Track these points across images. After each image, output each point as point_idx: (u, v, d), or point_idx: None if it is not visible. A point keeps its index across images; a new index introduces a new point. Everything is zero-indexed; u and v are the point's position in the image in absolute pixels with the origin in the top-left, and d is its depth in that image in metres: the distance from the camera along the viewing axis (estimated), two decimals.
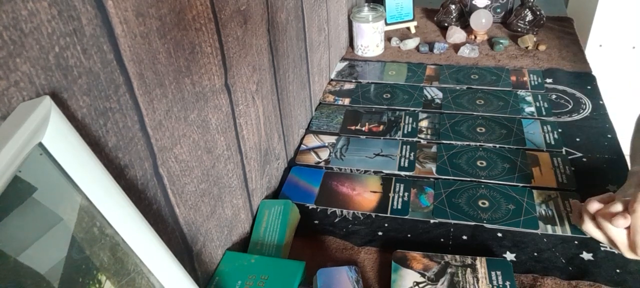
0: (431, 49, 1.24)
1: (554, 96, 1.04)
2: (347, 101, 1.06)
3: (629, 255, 0.58)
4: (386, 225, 0.76)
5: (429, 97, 1.06)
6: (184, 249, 0.57)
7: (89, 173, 0.36)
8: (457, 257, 0.67)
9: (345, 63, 1.22)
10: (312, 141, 0.95)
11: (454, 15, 1.33)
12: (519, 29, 1.28)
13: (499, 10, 1.33)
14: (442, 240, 0.73)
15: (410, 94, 1.07)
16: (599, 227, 0.60)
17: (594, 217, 0.60)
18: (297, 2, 0.85)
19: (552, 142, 0.90)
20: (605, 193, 0.62)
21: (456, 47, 1.25)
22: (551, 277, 0.66)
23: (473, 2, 1.33)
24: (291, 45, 0.85)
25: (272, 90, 0.78)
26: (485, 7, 1.32)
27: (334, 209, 0.79)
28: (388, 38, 1.31)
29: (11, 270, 0.31)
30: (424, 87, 1.09)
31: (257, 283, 0.62)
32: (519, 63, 1.16)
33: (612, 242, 0.59)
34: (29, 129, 0.31)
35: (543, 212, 0.75)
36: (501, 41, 1.23)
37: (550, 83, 1.08)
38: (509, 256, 0.69)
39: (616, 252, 0.60)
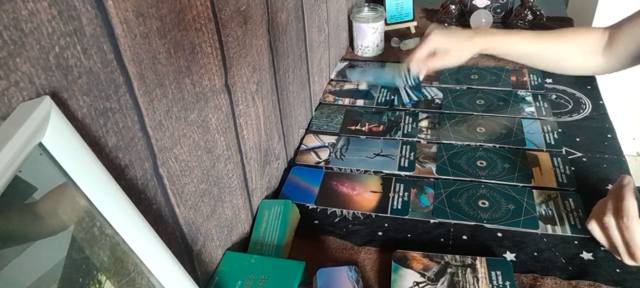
0: None
1: (554, 96, 1.04)
2: (347, 101, 1.06)
3: (628, 261, 0.61)
4: (386, 225, 0.76)
5: (429, 97, 1.06)
6: (184, 249, 0.57)
7: (89, 173, 0.36)
8: (457, 257, 0.67)
9: (345, 63, 1.22)
10: (312, 141, 0.95)
11: (454, 15, 1.33)
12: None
13: (499, 10, 1.33)
14: (442, 240, 0.73)
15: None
16: (603, 230, 0.62)
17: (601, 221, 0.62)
18: (297, 2, 0.85)
19: (552, 142, 0.90)
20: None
21: None
22: (551, 276, 0.66)
23: (473, 2, 1.33)
24: (291, 45, 0.85)
25: (272, 90, 0.78)
26: (485, 7, 1.32)
27: (334, 209, 0.79)
28: (388, 38, 1.31)
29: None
30: (423, 87, 1.09)
31: (257, 283, 0.62)
32: (519, 63, 1.16)
33: (613, 248, 0.61)
34: (29, 129, 0.31)
35: (543, 212, 0.75)
36: None
37: (550, 83, 1.08)
38: (509, 256, 0.69)
39: (618, 258, 0.62)
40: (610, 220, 0.60)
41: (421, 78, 0.90)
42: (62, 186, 0.35)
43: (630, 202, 0.58)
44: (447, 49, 0.85)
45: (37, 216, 0.33)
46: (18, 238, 0.32)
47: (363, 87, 1.07)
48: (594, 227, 0.63)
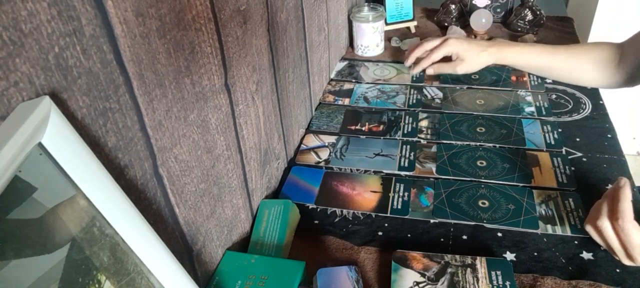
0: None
1: (554, 96, 1.04)
2: (347, 101, 1.06)
3: (626, 262, 0.61)
4: (386, 225, 0.76)
5: (429, 97, 1.06)
6: (184, 249, 0.57)
7: (89, 174, 0.36)
8: (457, 256, 0.67)
9: (345, 63, 1.22)
10: (312, 141, 0.95)
11: (454, 14, 1.33)
12: (519, 29, 1.28)
13: (499, 9, 1.33)
14: (442, 240, 0.73)
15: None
16: (599, 232, 0.62)
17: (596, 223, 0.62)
18: (297, 2, 0.85)
19: (552, 142, 0.90)
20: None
21: None
22: (551, 276, 0.66)
23: (473, 2, 1.33)
24: (291, 45, 0.85)
25: (272, 90, 0.78)
26: (485, 7, 1.32)
27: (334, 209, 0.79)
28: (388, 38, 1.31)
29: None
30: (424, 87, 1.09)
31: (257, 283, 0.62)
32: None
33: (611, 249, 0.62)
34: (29, 129, 0.31)
35: (543, 212, 0.75)
36: None
37: (550, 83, 1.08)
38: (509, 256, 0.69)
39: (616, 258, 0.62)
40: (606, 222, 0.60)
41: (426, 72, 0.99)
42: (61, 186, 0.35)
43: (625, 204, 0.58)
44: (462, 57, 0.89)
45: (42, 231, 0.33)
46: (21, 252, 0.32)
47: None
48: (591, 229, 0.63)
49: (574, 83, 0.90)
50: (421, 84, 1.10)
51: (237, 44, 0.64)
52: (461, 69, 0.93)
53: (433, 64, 0.97)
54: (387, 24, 1.32)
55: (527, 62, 0.90)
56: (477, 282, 0.63)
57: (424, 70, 0.99)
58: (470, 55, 0.91)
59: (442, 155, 0.89)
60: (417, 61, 1.00)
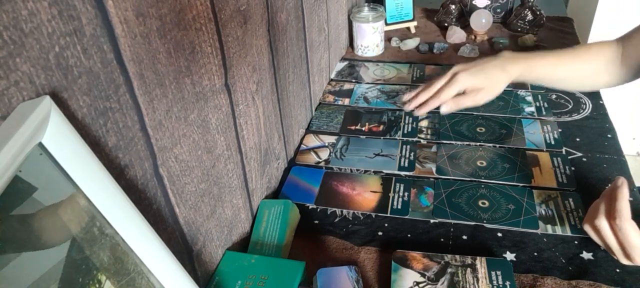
0: (431, 49, 1.24)
1: (554, 96, 1.04)
2: (347, 101, 1.06)
3: (624, 261, 0.61)
4: (386, 225, 0.76)
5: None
6: (184, 249, 0.57)
7: (89, 174, 0.36)
8: (457, 257, 0.67)
9: (345, 63, 1.22)
10: (312, 141, 0.95)
11: (454, 15, 1.33)
12: (519, 29, 1.28)
13: (499, 10, 1.33)
14: (442, 240, 0.73)
15: None
16: (597, 232, 0.62)
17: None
18: (297, 2, 0.85)
19: (552, 142, 0.90)
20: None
21: (456, 47, 1.25)
22: (551, 276, 0.66)
23: (473, 2, 1.33)
24: (291, 45, 0.85)
25: (272, 90, 0.78)
26: (485, 7, 1.32)
27: (334, 209, 0.79)
28: (388, 38, 1.31)
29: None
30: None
31: (257, 283, 0.62)
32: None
33: (609, 248, 0.61)
34: (29, 129, 0.31)
35: (543, 212, 0.75)
36: (501, 41, 1.23)
37: None
38: (509, 256, 0.69)
39: (614, 257, 0.62)
40: (603, 221, 0.60)
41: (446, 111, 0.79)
42: (61, 186, 0.35)
43: (623, 203, 0.58)
44: (479, 87, 0.77)
45: (40, 227, 0.33)
46: (20, 247, 0.32)
47: None
48: (589, 228, 0.63)
49: (582, 88, 0.85)
50: (422, 84, 1.10)
51: (237, 44, 0.64)
52: (483, 97, 0.77)
53: (454, 106, 0.78)
54: (387, 24, 1.32)
55: (547, 75, 0.79)
56: (477, 282, 0.63)
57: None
58: (490, 82, 0.77)
59: (442, 155, 0.89)
60: (424, 102, 0.81)
